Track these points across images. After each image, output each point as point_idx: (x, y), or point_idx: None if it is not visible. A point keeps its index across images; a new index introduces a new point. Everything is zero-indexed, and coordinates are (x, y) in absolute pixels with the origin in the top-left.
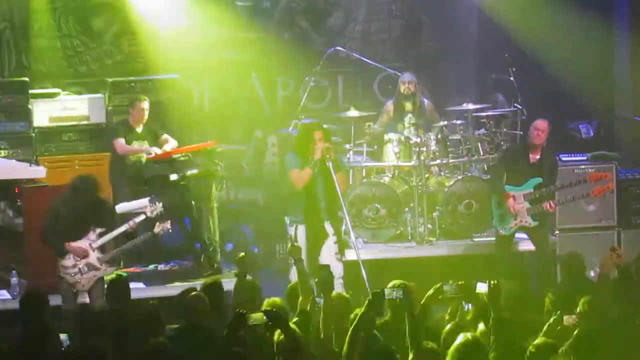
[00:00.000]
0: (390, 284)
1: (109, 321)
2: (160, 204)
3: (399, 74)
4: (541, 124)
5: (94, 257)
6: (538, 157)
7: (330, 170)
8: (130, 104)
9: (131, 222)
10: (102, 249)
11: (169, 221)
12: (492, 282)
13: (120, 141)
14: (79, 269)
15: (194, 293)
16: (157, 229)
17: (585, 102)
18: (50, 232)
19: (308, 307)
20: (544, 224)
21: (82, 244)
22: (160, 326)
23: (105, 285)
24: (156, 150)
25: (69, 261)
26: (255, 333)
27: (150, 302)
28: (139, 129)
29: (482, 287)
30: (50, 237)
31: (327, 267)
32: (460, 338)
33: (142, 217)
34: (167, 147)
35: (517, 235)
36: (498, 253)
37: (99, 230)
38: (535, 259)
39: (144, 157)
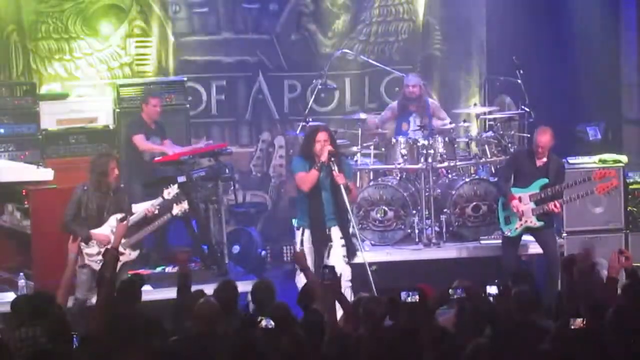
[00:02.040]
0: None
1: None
2: (176, 186)
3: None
4: (542, 138)
5: None
6: (545, 160)
7: (335, 172)
8: (143, 100)
9: (150, 207)
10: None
11: (186, 201)
12: (501, 284)
13: (140, 137)
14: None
15: (204, 298)
16: (176, 210)
17: (593, 104)
18: (72, 221)
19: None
20: (550, 224)
21: (104, 230)
22: (158, 330)
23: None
24: (175, 150)
25: (93, 249)
26: (268, 335)
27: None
28: (153, 126)
29: (491, 290)
30: (72, 226)
31: (332, 267)
32: (470, 344)
33: (160, 200)
34: (169, 152)
35: (524, 238)
36: (504, 255)
37: (119, 216)
38: (542, 261)
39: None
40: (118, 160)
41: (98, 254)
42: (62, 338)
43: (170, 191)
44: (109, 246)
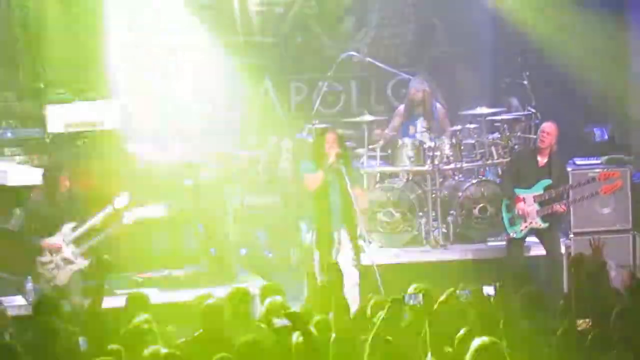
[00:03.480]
0: (411, 289)
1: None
2: (127, 194)
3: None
4: (548, 126)
5: (68, 251)
6: (546, 160)
7: (343, 175)
8: None
9: (100, 216)
10: (75, 242)
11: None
12: (498, 285)
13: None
14: (55, 264)
15: (210, 300)
16: (125, 218)
17: (600, 105)
18: (27, 232)
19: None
20: (555, 225)
21: (56, 239)
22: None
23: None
24: None
25: (45, 257)
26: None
27: None
28: None
29: (489, 291)
30: (25, 236)
31: (335, 264)
32: (477, 342)
33: (110, 209)
34: None
35: (528, 239)
36: (509, 256)
37: (71, 225)
38: (546, 262)
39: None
40: (67, 171)
41: (50, 262)
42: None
43: (121, 200)
44: (60, 255)
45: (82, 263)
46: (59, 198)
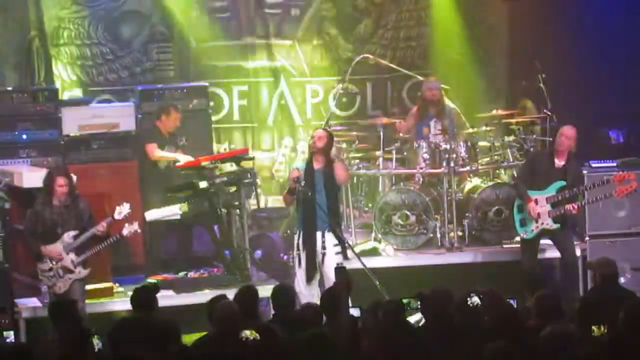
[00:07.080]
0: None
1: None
2: (128, 205)
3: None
4: (568, 131)
5: (68, 260)
6: (563, 162)
7: (332, 178)
8: (165, 111)
9: (100, 226)
10: (75, 251)
11: (136, 222)
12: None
13: (152, 146)
14: (55, 272)
15: (224, 301)
16: (125, 231)
17: (615, 107)
18: (29, 236)
19: None
20: (567, 226)
21: (56, 247)
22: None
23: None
24: (187, 158)
25: (45, 264)
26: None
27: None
28: (166, 135)
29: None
30: (28, 240)
31: (343, 268)
32: (488, 347)
33: (110, 219)
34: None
35: (543, 242)
36: (522, 258)
37: (72, 233)
38: (560, 265)
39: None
40: (68, 175)
41: (50, 269)
42: (80, 342)
43: (122, 211)
44: (60, 263)
45: (82, 272)
46: (59, 203)
